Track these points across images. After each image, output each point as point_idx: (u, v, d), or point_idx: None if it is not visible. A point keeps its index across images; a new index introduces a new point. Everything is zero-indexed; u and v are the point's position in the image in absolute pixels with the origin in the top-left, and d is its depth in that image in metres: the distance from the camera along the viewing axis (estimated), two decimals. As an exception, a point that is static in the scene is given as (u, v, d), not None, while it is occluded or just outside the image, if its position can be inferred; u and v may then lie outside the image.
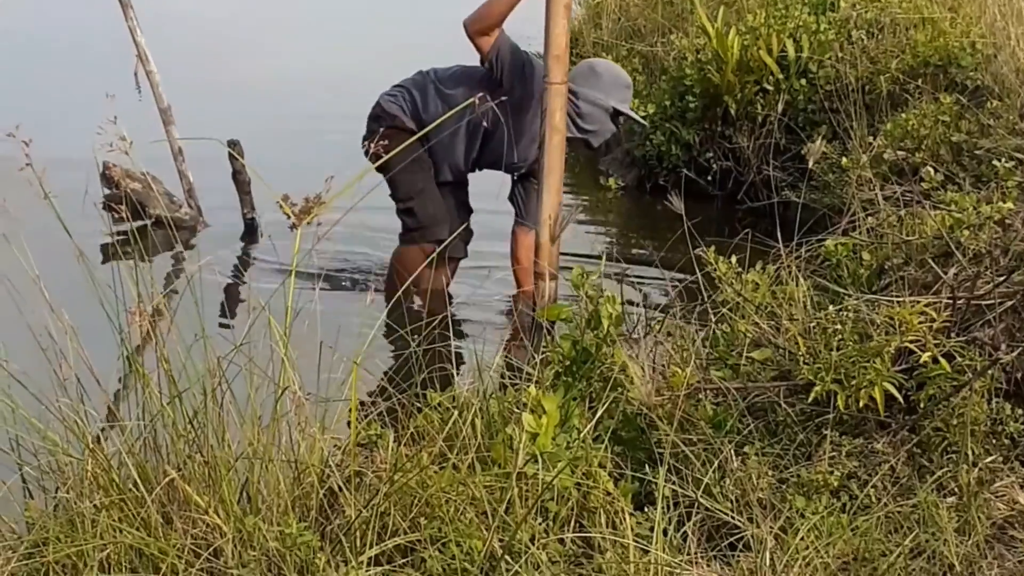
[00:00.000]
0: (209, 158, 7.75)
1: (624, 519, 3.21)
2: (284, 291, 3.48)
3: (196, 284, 3.62)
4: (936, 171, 5.87)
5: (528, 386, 3.55)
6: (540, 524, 3.22)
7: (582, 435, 3.50)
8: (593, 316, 3.89)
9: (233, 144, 7.18)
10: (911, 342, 3.62)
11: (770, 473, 3.52)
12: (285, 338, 3.37)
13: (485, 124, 6.00)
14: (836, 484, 3.47)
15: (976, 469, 3.54)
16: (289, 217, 3.56)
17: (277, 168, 5.33)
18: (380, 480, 3.21)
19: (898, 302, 3.77)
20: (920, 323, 3.61)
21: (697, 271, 4.47)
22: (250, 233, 8.01)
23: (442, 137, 5.94)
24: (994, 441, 3.70)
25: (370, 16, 17.63)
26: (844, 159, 6.79)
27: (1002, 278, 3.90)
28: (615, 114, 6.20)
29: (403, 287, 4.21)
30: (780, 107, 8.44)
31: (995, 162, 5.87)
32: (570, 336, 3.93)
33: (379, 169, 5.92)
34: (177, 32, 14.60)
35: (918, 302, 3.71)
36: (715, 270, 4.43)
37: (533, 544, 3.10)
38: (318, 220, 3.54)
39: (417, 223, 6.24)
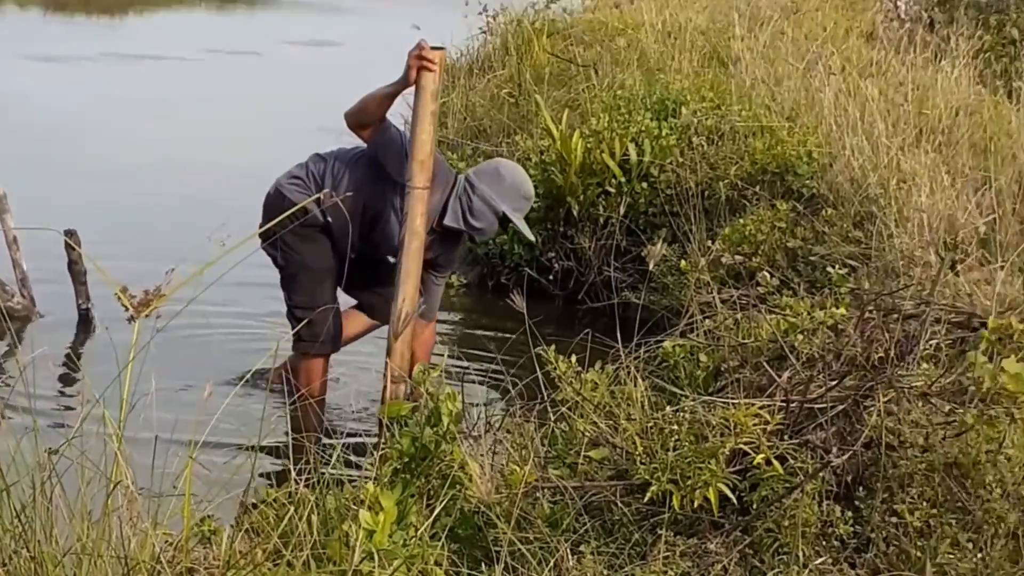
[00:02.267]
0: (46, 247, 7.61)
1: (459, 617, 3.19)
2: (119, 383, 3.40)
3: (28, 375, 3.54)
4: (772, 276, 6.01)
5: (366, 482, 3.52)
6: (375, 622, 3.18)
7: (419, 532, 3.48)
8: (433, 413, 3.89)
9: (70, 234, 7.05)
10: (745, 444, 3.68)
11: (605, 572, 3.53)
12: (119, 431, 3.30)
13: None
14: (670, 584, 3.50)
15: (806, 570, 3.59)
16: (127, 309, 3.50)
17: (118, 257, 5.25)
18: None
19: (733, 404, 3.82)
20: (754, 425, 3.67)
21: (537, 370, 4.50)
22: (84, 324, 7.85)
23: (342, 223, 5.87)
24: (824, 543, 3.75)
25: (224, 98, 17.70)
26: (683, 262, 6.90)
27: (834, 382, 3.99)
28: (504, 219, 6.15)
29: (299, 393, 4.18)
30: (622, 209, 8.54)
31: (829, 268, 6.03)
32: (409, 433, 3.92)
33: (281, 265, 5.89)
34: (16, 116, 14.46)
35: (752, 404, 3.77)
36: (555, 369, 4.46)
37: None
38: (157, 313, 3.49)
39: (312, 336, 6.05)
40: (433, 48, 5.47)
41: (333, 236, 6.05)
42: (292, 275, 6.09)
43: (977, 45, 10.46)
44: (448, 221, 6.05)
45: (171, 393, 5.35)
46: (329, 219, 6.01)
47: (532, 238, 6.57)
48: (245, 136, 15.18)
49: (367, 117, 5.81)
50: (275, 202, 6.06)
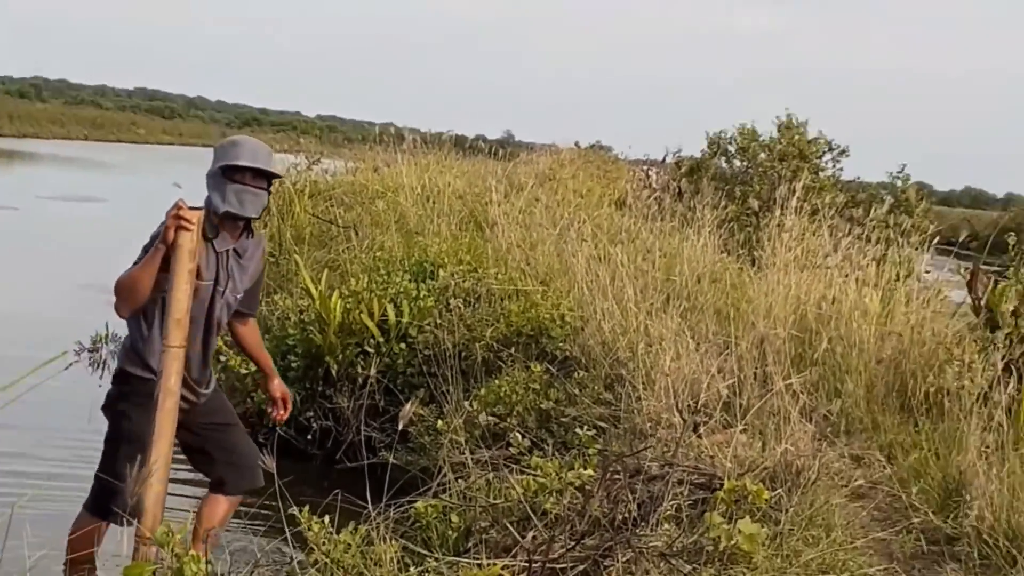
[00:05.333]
0: None
1: None
2: None
3: None
4: (524, 436, 6.14)
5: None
6: None
7: None
8: (177, 574, 3.84)
9: None
10: (488, 604, 3.73)
11: None
12: None
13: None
14: None
15: None
16: None
17: None
18: None
19: (478, 564, 3.88)
20: (496, 586, 3.73)
21: (287, 530, 4.48)
22: None
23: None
24: None
25: None
26: (439, 422, 6.97)
27: (574, 542, 4.08)
28: (226, 173, 5.74)
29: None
30: (377, 369, 8.59)
31: (578, 430, 6.18)
32: (152, 595, 3.86)
33: (109, 431, 5.68)
34: None
35: (495, 564, 3.83)
36: (307, 530, 4.45)
37: None
38: None
39: (119, 505, 5.41)
40: (191, 208, 5.47)
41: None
42: (117, 443, 5.80)
43: (722, 215, 10.92)
44: (209, 232, 5.71)
45: None
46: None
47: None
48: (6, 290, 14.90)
49: (139, 297, 5.67)
50: (118, 375, 5.86)
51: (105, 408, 5.78)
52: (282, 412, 6.38)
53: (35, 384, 3.94)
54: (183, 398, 5.68)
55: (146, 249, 5.55)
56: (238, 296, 5.94)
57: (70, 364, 4.56)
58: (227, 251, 5.79)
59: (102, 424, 5.82)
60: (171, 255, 5.42)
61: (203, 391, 5.95)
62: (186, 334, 5.47)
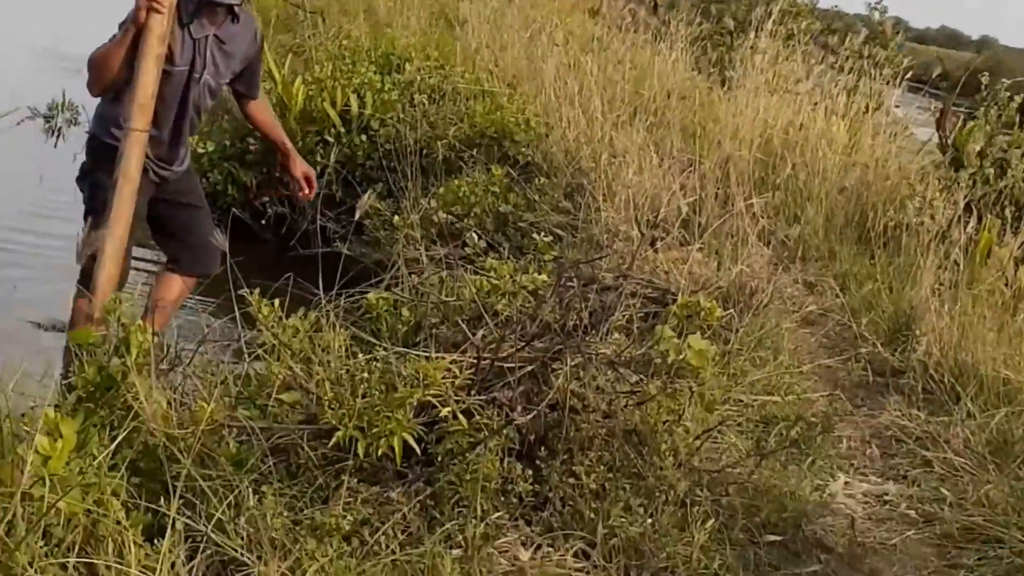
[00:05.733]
0: None
1: (131, 549, 3.14)
2: None
3: None
4: (480, 238, 6.10)
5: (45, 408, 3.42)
6: (42, 548, 3.10)
7: (97, 462, 3.40)
8: (123, 343, 3.80)
9: None
10: (434, 397, 3.73)
11: (285, 513, 3.52)
12: None
13: None
14: (348, 529, 3.51)
15: (483, 524, 3.66)
16: None
17: None
18: None
19: (426, 357, 3.87)
20: (443, 379, 3.72)
21: (236, 309, 4.44)
22: None
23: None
24: (503, 499, 3.83)
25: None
26: (396, 217, 6.92)
27: (523, 343, 4.07)
28: None
29: None
30: (336, 159, 8.52)
31: (535, 235, 6.15)
32: (96, 361, 3.82)
33: (86, 202, 5.56)
34: None
35: (443, 359, 3.82)
36: (257, 311, 4.41)
37: (32, 568, 2.98)
38: None
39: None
40: None
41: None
42: (96, 215, 5.67)
43: (696, 32, 10.79)
44: (184, 17, 5.48)
45: None
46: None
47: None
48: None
49: (109, 76, 5.51)
50: (94, 145, 5.72)
51: (79, 179, 5.63)
52: (306, 191, 6.23)
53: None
54: (153, 172, 5.64)
55: (121, 27, 5.32)
56: (221, 81, 5.77)
57: (20, 121, 4.40)
58: (205, 37, 5.61)
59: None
60: (141, 39, 5.24)
61: (174, 168, 5.83)
62: (150, 118, 5.31)
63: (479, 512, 3.71)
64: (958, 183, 6.93)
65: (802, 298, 6.26)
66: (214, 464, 3.70)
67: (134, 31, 5.21)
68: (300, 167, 6.25)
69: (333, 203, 8.49)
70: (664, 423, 4.15)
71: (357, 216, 5.17)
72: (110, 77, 5.38)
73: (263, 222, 8.84)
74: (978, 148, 7.33)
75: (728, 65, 10.05)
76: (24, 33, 17.19)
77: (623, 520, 3.81)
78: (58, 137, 11.80)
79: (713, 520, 3.89)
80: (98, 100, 5.73)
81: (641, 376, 4.23)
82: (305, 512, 3.61)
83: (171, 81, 5.47)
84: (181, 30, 5.48)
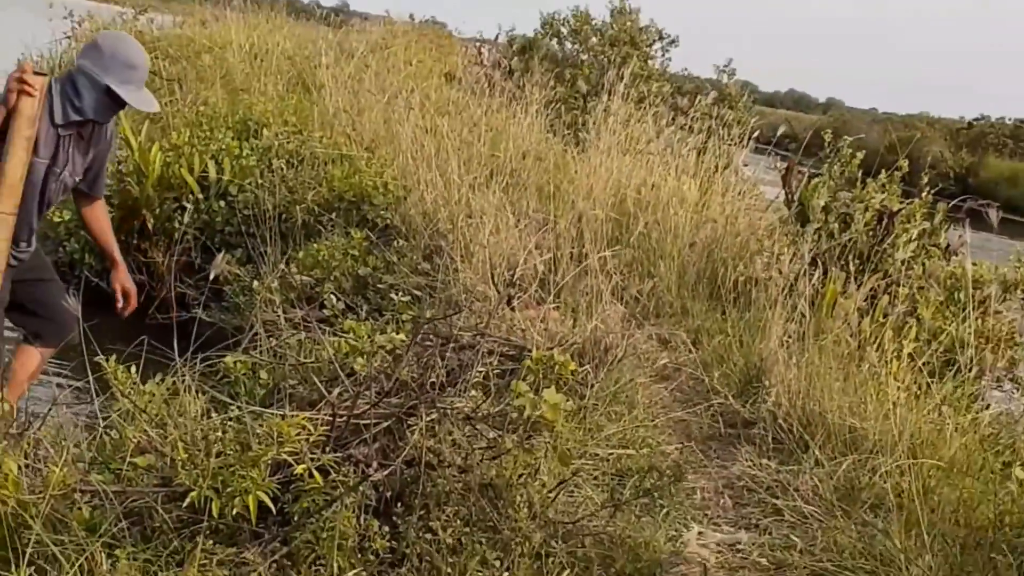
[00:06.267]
0: None
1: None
2: None
3: None
4: (339, 300, 6.13)
5: None
6: None
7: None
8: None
9: None
10: (289, 454, 3.74)
11: (139, 577, 3.51)
12: None
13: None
14: (202, 592, 3.51)
15: (341, 582, 3.68)
16: None
17: None
18: None
19: (281, 416, 3.88)
20: (298, 436, 3.74)
21: (90, 374, 4.42)
22: None
23: None
24: (360, 556, 3.85)
25: None
26: (255, 282, 6.92)
27: (378, 398, 4.11)
28: (113, 94, 5.53)
29: None
30: (194, 226, 8.49)
31: (393, 295, 6.20)
32: (-57, 431, 3.78)
33: None
34: None
35: (298, 416, 3.84)
36: (113, 377, 4.39)
37: None
38: None
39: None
40: (36, 73, 5.24)
41: None
42: None
43: (550, 95, 10.96)
44: (59, 119, 5.53)
45: None
46: None
47: (152, 107, 5.71)
48: None
49: None
50: None
51: None
52: (125, 305, 6.15)
53: None
54: (13, 257, 5.58)
55: None
56: (76, 178, 5.75)
57: None
58: (69, 135, 5.59)
59: None
60: (10, 119, 5.20)
61: (27, 249, 5.79)
62: (18, 202, 5.27)
63: (336, 570, 3.72)
64: (804, 237, 7.13)
65: (656, 353, 6.37)
66: (66, 529, 3.68)
67: (3, 112, 5.18)
68: (122, 280, 6.20)
69: (192, 270, 8.45)
70: (520, 476, 4.20)
71: (212, 276, 5.20)
72: None
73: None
74: (822, 203, 7.54)
75: (582, 127, 10.23)
76: None
77: (480, 574, 3.85)
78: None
79: (568, 571, 3.95)
80: None
81: (498, 431, 4.28)
82: (160, 575, 3.60)
83: (32, 173, 5.41)
84: (48, 123, 5.45)
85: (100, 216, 6.22)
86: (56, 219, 8.43)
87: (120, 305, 6.18)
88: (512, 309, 6.22)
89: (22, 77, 5.12)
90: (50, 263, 6.24)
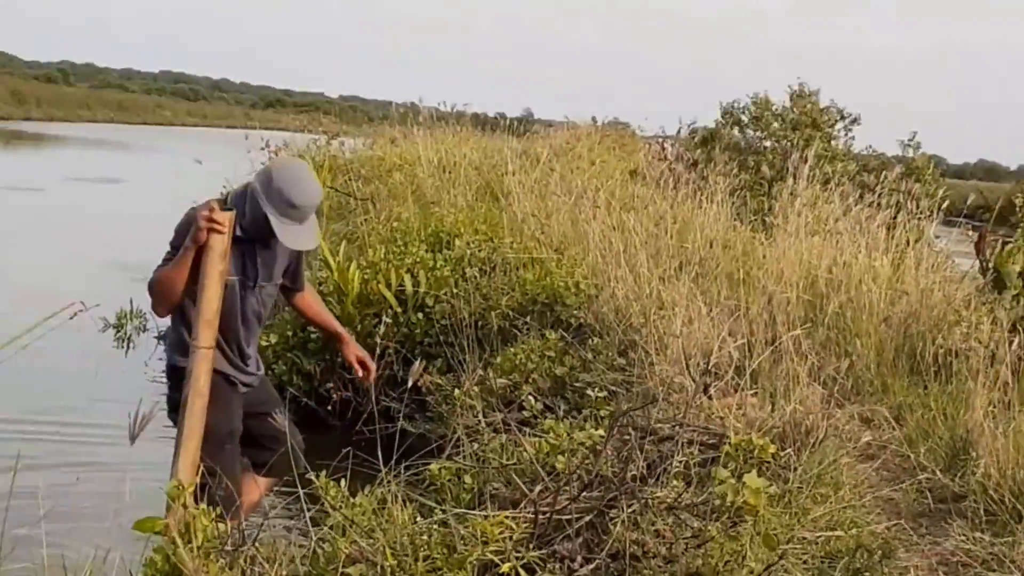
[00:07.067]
0: None
1: None
2: None
3: None
4: (537, 400, 6.21)
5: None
6: None
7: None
8: (188, 529, 3.93)
9: None
10: (494, 553, 3.82)
11: None
12: None
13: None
14: None
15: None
16: None
17: None
18: None
19: (484, 516, 3.96)
20: (501, 534, 3.81)
21: (299, 488, 4.57)
22: None
23: None
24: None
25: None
26: (456, 390, 7.04)
27: (579, 492, 4.16)
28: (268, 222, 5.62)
29: None
30: (395, 339, 8.69)
31: (589, 391, 6.25)
32: (163, 550, 3.94)
33: None
34: None
35: (499, 515, 3.91)
36: (323, 493, 4.53)
37: None
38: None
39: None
40: (223, 210, 5.43)
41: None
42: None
43: (734, 183, 10.98)
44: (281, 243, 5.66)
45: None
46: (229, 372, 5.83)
47: (304, 245, 5.80)
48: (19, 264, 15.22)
49: (174, 299, 5.61)
50: (171, 372, 5.79)
51: (171, 412, 5.59)
52: (362, 374, 6.31)
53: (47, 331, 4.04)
54: (240, 384, 5.85)
55: (173, 246, 5.52)
56: (276, 283, 5.93)
57: (74, 314, 4.51)
58: (254, 245, 5.76)
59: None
60: (203, 256, 5.38)
61: (254, 372, 5.99)
62: (215, 334, 5.43)
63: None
64: (1002, 304, 7.00)
65: (858, 432, 6.28)
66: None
67: (194, 250, 5.40)
68: (354, 351, 6.34)
69: (394, 383, 8.62)
70: (726, 564, 4.19)
71: (411, 383, 5.31)
72: (174, 298, 5.56)
73: (328, 408, 8.97)
74: (1018, 268, 7.41)
75: (768, 212, 10.22)
76: (90, 250, 17.74)
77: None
78: (128, 344, 12.12)
79: (784, 654, 3.92)
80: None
81: (701, 520, 4.29)
82: None
83: (229, 292, 5.59)
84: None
85: (312, 301, 6.41)
86: (263, 342, 8.70)
87: (361, 374, 6.33)
88: (709, 398, 6.22)
89: (211, 217, 5.31)
90: (277, 395, 6.41)
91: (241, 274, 5.73)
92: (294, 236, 5.65)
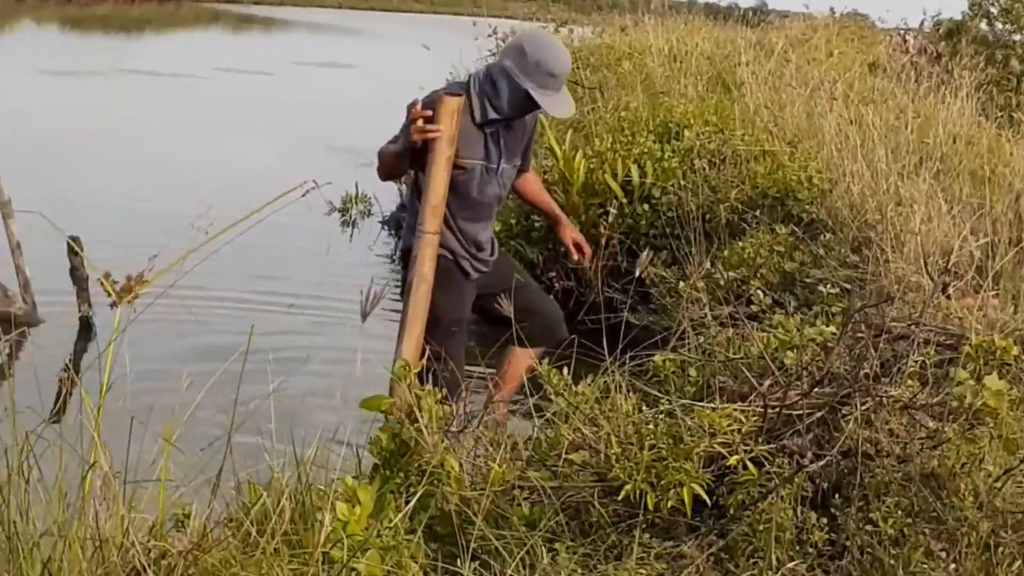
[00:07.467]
0: (50, 253, 7.67)
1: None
2: (99, 367, 3.43)
3: (10, 363, 3.57)
4: (765, 295, 6.04)
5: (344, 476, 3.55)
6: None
7: (393, 524, 3.50)
8: (414, 409, 3.92)
9: (74, 239, 7.13)
10: (721, 446, 3.70)
11: (579, 571, 3.55)
12: (96, 413, 3.32)
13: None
14: (641, 584, 3.51)
15: (779, 575, 3.61)
16: (110, 295, 3.54)
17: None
18: (183, 558, 3.17)
19: (712, 408, 3.85)
20: (729, 427, 3.69)
21: (524, 378, 4.54)
22: (85, 330, 7.90)
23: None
24: (799, 549, 3.77)
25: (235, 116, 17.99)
26: (681, 283, 6.91)
27: (810, 388, 4.01)
28: (529, 96, 5.65)
29: None
30: (619, 230, 8.59)
31: (821, 287, 6.05)
32: (389, 428, 3.95)
33: None
34: (27, 125, 14.77)
35: (728, 407, 3.80)
36: (546, 380, 4.48)
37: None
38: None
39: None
40: (449, 95, 5.35)
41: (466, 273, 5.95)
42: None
43: (981, 78, 10.50)
44: (478, 118, 5.70)
45: (152, 377, 5.35)
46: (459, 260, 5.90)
47: (566, 112, 5.85)
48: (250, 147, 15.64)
49: (396, 171, 5.91)
50: (405, 256, 5.77)
51: (403, 294, 5.58)
52: (577, 256, 6.37)
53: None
54: (472, 269, 5.91)
55: (404, 127, 5.49)
56: (515, 165, 5.96)
57: (306, 192, 4.53)
58: (495, 129, 5.76)
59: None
60: (430, 143, 5.33)
61: (488, 259, 6.01)
62: (441, 220, 5.41)
63: (775, 563, 3.66)
64: None
65: (1111, 337, 5.96)
66: (507, 524, 3.76)
67: (410, 147, 5.38)
68: (569, 233, 6.36)
69: (618, 274, 8.54)
70: (963, 466, 4.00)
71: (638, 273, 5.21)
72: (395, 175, 5.93)
73: (551, 297, 8.92)
74: None
75: (1016, 108, 9.76)
76: (317, 133, 18.03)
77: (925, 566, 3.69)
78: (353, 228, 12.30)
79: (1020, 563, 3.73)
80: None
81: (937, 421, 4.11)
82: (599, 569, 3.64)
83: (470, 177, 5.64)
84: (470, 123, 5.62)
85: (533, 182, 6.44)
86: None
87: (576, 257, 6.39)
88: (948, 298, 5.97)
89: (423, 127, 5.24)
90: (521, 267, 6.42)
91: (484, 159, 5.71)
92: (556, 104, 5.70)
